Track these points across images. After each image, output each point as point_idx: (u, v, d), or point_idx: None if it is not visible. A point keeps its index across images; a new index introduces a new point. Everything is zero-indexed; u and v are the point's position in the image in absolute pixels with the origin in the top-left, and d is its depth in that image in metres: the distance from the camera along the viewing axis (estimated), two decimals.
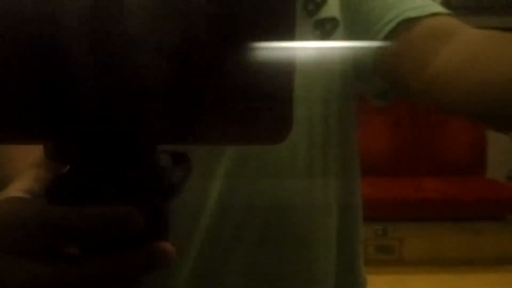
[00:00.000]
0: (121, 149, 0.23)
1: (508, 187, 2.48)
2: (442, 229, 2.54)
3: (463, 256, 2.51)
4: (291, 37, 0.22)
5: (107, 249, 0.23)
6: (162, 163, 0.25)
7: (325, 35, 0.54)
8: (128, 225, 0.23)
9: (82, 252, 0.24)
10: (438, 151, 2.91)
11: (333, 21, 0.54)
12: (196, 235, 0.53)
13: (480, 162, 2.93)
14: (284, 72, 0.23)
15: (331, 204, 0.58)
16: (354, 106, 0.60)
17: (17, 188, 0.26)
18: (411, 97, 0.56)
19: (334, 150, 0.57)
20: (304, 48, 0.50)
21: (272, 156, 0.53)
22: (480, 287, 2.23)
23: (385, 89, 0.58)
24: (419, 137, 2.88)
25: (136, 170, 0.23)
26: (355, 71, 0.57)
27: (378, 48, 0.53)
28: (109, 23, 0.21)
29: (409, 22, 0.51)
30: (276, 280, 0.55)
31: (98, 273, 0.23)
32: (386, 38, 0.52)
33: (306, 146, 0.54)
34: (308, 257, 0.56)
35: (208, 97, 0.22)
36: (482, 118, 0.49)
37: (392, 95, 0.59)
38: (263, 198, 0.53)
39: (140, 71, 0.22)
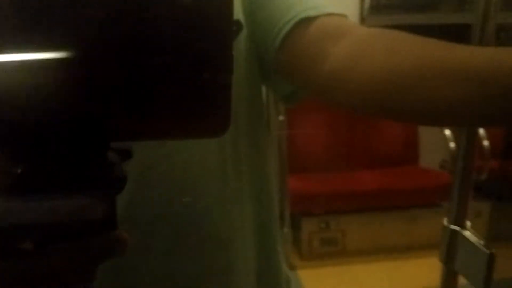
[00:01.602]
0: (75, 147, 0.24)
1: (441, 175, 2.59)
2: (381, 219, 2.63)
3: (401, 243, 2.61)
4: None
5: (62, 241, 0.24)
6: (111, 159, 0.26)
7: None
8: (88, 215, 0.23)
9: (35, 246, 0.24)
10: (372, 144, 2.99)
11: (236, 24, 0.54)
12: None
13: (413, 153, 3.04)
14: (222, 67, 0.24)
15: (246, 202, 0.58)
16: (261, 106, 0.61)
17: None
18: (315, 96, 0.56)
19: (244, 148, 0.57)
20: None
21: (182, 158, 0.52)
22: (418, 271, 2.33)
23: (292, 90, 0.60)
24: (354, 132, 2.95)
25: (91, 166, 0.25)
26: (261, 73, 0.58)
27: (278, 48, 0.53)
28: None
29: (306, 22, 0.52)
30: (192, 275, 0.54)
31: (53, 266, 0.23)
32: (285, 37, 0.52)
33: (217, 145, 0.54)
34: (226, 258, 0.56)
35: (155, 95, 0.24)
36: (373, 111, 0.50)
37: (299, 96, 0.60)
38: (174, 201, 0.52)
39: (89, 71, 0.23)
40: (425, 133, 3.01)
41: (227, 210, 0.55)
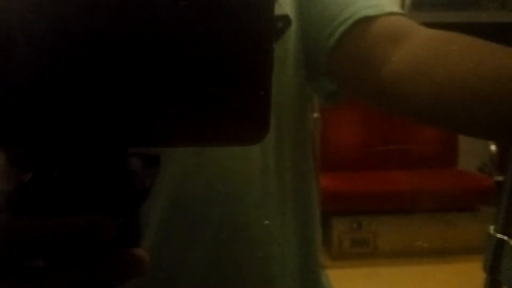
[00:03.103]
0: (89, 153, 0.22)
1: (479, 178, 2.52)
2: (415, 221, 2.57)
3: (435, 247, 2.54)
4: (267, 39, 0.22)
5: (74, 259, 0.22)
6: (133, 167, 0.23)
7: (277, 34, 0.51)
8: (98, 233, 0.21)
9: (46, 264, 0.22)
10: (409, 144, 2.94)
11: (285, 19, 0.51)
12: (148, 237, 0.49)
13: (451, 154, 2.97)
14: (261, 71, 0.22)
15: (288, 209, 0.55)
16: (307, 106, 0.58)
17: None
18: (362, 99, 0.53)
19: (288, 155, 0.55)
20: None
21: (223, 167, 0.50)
22: (451, 276, 2.27)
23: (333, 90, 0.56)
24: (389, 130, 2.91)
25: (105, 175, 0.22)
26: (307, 71, 0.55)
27: (333, 48, 0.50)
28: (75, 27, 0.20)
29: (365, 21, 0.49)
30: (232, 284, 0.52)
31: (64, 286, 0.22)
32: (341, 36, 0.50)
33: (259, 153, 0.52)
34: (267, 272, 0.54)
35: (183, 98, 0.22)
36: (430, 119, 0.47)
37: (340, 97, 0.57)
38: (213, 212, 0.50)
39: (108, 74, 0.21)
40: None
41: (266, 222, 0.53)
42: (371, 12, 0.49)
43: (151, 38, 0.21)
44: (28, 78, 0.20)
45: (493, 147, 2.64)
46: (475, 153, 2.85)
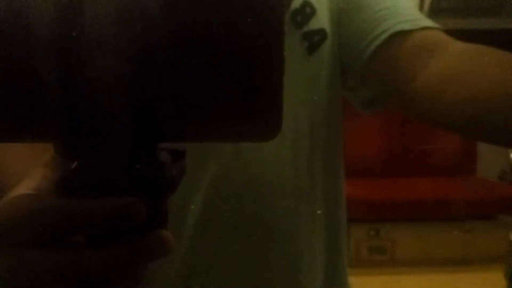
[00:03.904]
0: (123, 146, 0.24)
1: (499, 186, 2.49)
2: (434, 229, 2.54)
3: (455, 256, 2.51)
4: (278, 43, 0.23)
5: (111, 238, 0.25)
6: (162, 159, 0.26)
7: (313, 46, 0.54)
8: (132, 215, 0.24)
9: (87, 241, 0.25)
10: (428, 152, 2.91)
11: (321, 32, 0.54)
12: (185, 232, 0.52)
13: (471, 162, 2.94)
14: (273, 68, 0.23)
15: (318, 213, 0.57)
16: (340, 114, 0.60)
17: (26, 187, 0.27)
18: (397, 108, 0.56)
19: (320, 161, 0.57)
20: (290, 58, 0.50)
21: (257, 169, 0.53)
22: (472, 286, 2.24)
23: (371, 98, 0.59)
24: (410, 138, 2.89)
25: (138, 166, 0.25)
26: (344, 81, 0.57)
27: (368, 59, 0.52)
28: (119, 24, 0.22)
29: (401, 35, 0.51)
30: (263, 282, 0.54)
31: (103, 260, 0.24)
32: (377, 49, 0.52)
33: (292, 158, 0.54)
34: (294, 274, 0.55)
35: (202, 95, 0.23)
36: (464, 130, 0.49)
37: (379, 104, 0.59)
38: (245, 214, 0.53)
39: (140, 71, 0.23)
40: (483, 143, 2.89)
41: (298, 222, 0.55)
42: (406, 26, 0.51)
43: (174, 42, 0.22)
44: (71, 78, 0.23)
45: None
46: (495, 161, 2.81)
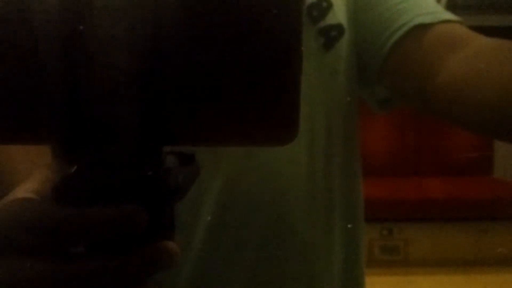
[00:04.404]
0: (126, 150, 0.23)
1: None
2: (448, 229, 2.52)
3: (469, 256, 2.49)
4: (296, 42, 0.22)
5: (112, 248, 0.23)
6: (168, 164, 0.25)
7: (330, 42, 0.52)
8: (133, 224, 0.23)
9: (87, 251, 0.24)
10: (443, 150, 2.89)
11: (338, 27, 0.52)
12: (197, 236, 0.51)
13: (487, 162, 2.91)
14: (290, 71, 0.22)
15: (334, 214, 0.56)
16: (357, 113, 0.59)
17: (26, 189, 0.26)
18: (414, 106, 0.54)
19: (337, 161, 0.55)
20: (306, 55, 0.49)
21: (271, 171, 0.51)
22: (486, 287, 2.22)
23: (387, 97, 0.57)
24: (424, 136, 2.87)
25: (141, 171, 0.24)
26: (360, 78, 0.56)
27: (387, 54, 0.51)
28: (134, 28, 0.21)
29: (421, 28, 0.50)
30: (279, 285, 0.53)
31: (102, 271, 0.23)
32: (396, 43, 0.50)
33: (307, 159, 0.53)
34: (311, 273, 0.54)
35: (214, 98, 0.22)
36: (484, 130, 0.48)
37: (395, 104, 0.57)
38: (260, 214, 0.52)
39: (145, 73, 0.22)
40: (500, 142, 2.86)
41: (313, 225, 0.54)
42: (426, 19, 0.50)
43: (188, 41, 0.21)
44: (76, 76, 0.22)
45: None
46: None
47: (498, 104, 0.42)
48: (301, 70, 0.22)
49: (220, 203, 0.50)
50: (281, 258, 0.53)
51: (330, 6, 0.52)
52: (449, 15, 0.51)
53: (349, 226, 0.58)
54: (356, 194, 0.60)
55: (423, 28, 0.50)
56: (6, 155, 0.39)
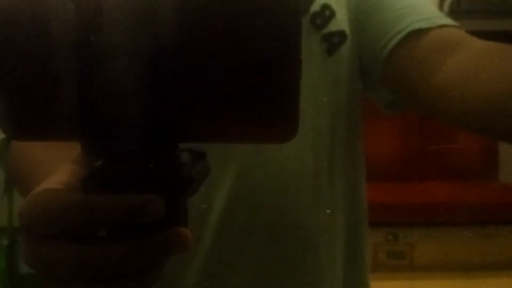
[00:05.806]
0: (145, 146, 0.26)
1: None
2: (453, 234, 2.51)
3: (474, 261, 2.48)
4: (296, 45, 0.23)
5: (131, 232, 0.26)
6: (182, 159, 0.27)
7: (332, 48, 0.55)
8: (151, 210, 0.25)
9: (109, 235, 0.27)
10: (448, 155, 2.88)
11: (341, 34, 0.55)
12: (207, 231, 0.53)
13: (492, 166, 2.90)
14: (290, 73, 0.24)
15: (338, 212, 0.58)
16: (360, 114, 0.61)
17: (54, 181, 0.28)
18: (416, 109, 0.56)
19: (340, 160, 0.57)
20: (310, 59, 0.51)
21: (277, 167, 0.54)
22: None
23: (393, 99, 0.59)
24: (429, 140, 2.86)
25: (158, 164, 0.26)
26: (363, 80, 0.58)
27: (386, 58, 0.53)
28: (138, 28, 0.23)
29: (418, 33, 0.51)
30: (283, 283, 0.55)
31: (122, 253, 0.25)
32: (395, 48, 0.52)
33: (312, 156, 0.55)
34: (315, 269, 0.56)
35: (218, 97, 0.24)
36: (485, 130, 0.49)
37: (401, 106, 0.59)
38: (266, 209, 0.54)
39: (160, 74, 0.24)
40: (506, 146, 2.85)
41: (317, 221, 0.56)
42: (423, 24, 0.52)
43: (193, 45, 0.23)
44: (92, 80, 0.24)
45: None
46: None
47: (497, 102, 0.43)
48: (300, 72, 0.23)
49: (229, 200, 0.53)
50: (286, 252, 0.55)
51: (332, 14, 0.55)
52: (446, 20, 0.53)
53: (352, 223, 0.60)
54: (359, 193, 0.61)
55: (420, 33, 0.51)
56: (41, 150, 0.42)
